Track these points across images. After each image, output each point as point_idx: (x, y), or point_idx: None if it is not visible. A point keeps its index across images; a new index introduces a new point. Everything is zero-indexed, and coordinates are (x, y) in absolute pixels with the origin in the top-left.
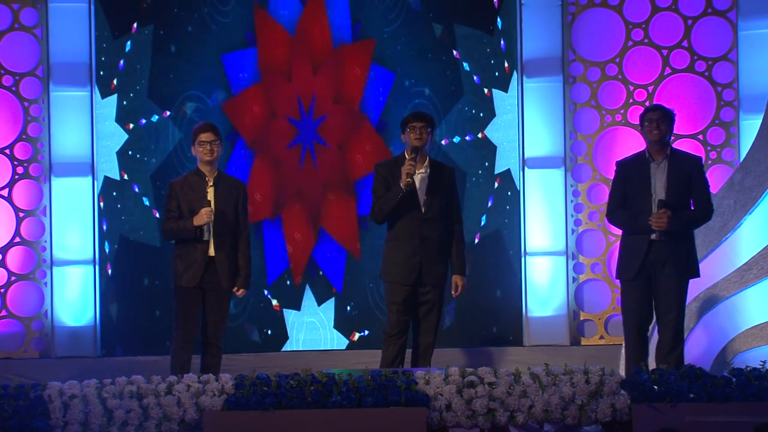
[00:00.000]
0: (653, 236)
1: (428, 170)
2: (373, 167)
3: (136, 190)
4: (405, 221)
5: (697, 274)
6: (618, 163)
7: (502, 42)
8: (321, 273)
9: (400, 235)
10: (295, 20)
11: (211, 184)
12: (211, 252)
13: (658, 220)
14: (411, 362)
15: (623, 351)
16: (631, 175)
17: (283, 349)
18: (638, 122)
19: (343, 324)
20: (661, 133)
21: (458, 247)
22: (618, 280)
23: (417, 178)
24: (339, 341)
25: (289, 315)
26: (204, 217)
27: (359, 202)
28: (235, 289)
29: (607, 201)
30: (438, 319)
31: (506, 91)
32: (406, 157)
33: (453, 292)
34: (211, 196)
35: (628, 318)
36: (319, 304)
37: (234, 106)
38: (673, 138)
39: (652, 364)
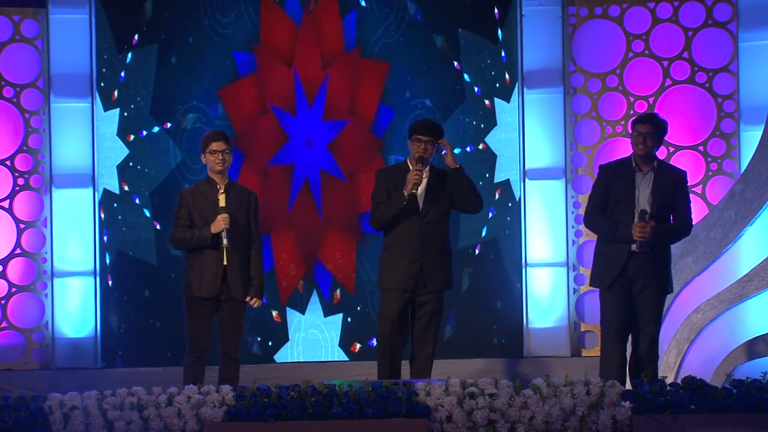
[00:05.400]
0: (633, 247)
1: (429, 176)
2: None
3: (137, 201)
4: (404, 227)
5: (672, 290)
6: (602, 168)
7: (502, 53)
8: (318, 287)
9: (399, 241)
10: (291, 48)
11: (222, 191)
12: (225, 261)
13: (642, 230)
14: (410, 375)
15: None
16: (614, 181)
17: (284, 361)
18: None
19: (342, 336)
20: (647, 148)
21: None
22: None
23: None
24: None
25: (291, 324)
26: (221, 223)
27: (362, 240)
28: (248, 298)
29: (587, 204)
30: (437, 329)
31: (507, 102)
32: (409, 165)
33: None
34: (222, 203)
35: (605, 327)
36: (322, 315)
37: (230, 92)
38: (672, 150)
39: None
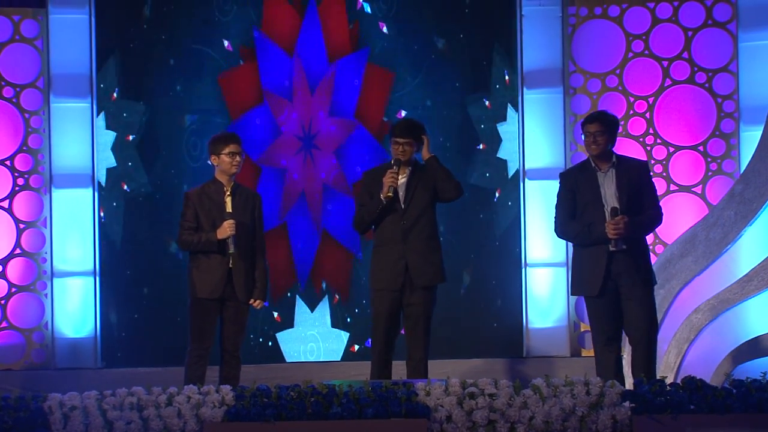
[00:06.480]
0: (611, 247)
1: (409, 173)
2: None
3: (138, 202)
4: (387, 226)
5: (656, 281)
6: (562, 175)
7: (502, 53)
8: (324, 284)
9: (384, 240)
10: (292, 38)
11: (229, 193)
12: (231, 264)
13: (615, 226)
14: (406, 376)
15: (624, 363)
16: (578, 186)
17: (286, 348)
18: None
19: (346, 332)
20: (600, 147)
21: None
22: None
23: (398, 183)
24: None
25: (290, 326)
26: (227, 230)
27: (361, 256)
28: (252, 300)
29: (555, 214)
30: (426, 329)
31: (507, 103)
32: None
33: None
34: (229, 207)
35: (597, 335)
36: (324, 318)
37: (228, 79)
38: (672, 150)
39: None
